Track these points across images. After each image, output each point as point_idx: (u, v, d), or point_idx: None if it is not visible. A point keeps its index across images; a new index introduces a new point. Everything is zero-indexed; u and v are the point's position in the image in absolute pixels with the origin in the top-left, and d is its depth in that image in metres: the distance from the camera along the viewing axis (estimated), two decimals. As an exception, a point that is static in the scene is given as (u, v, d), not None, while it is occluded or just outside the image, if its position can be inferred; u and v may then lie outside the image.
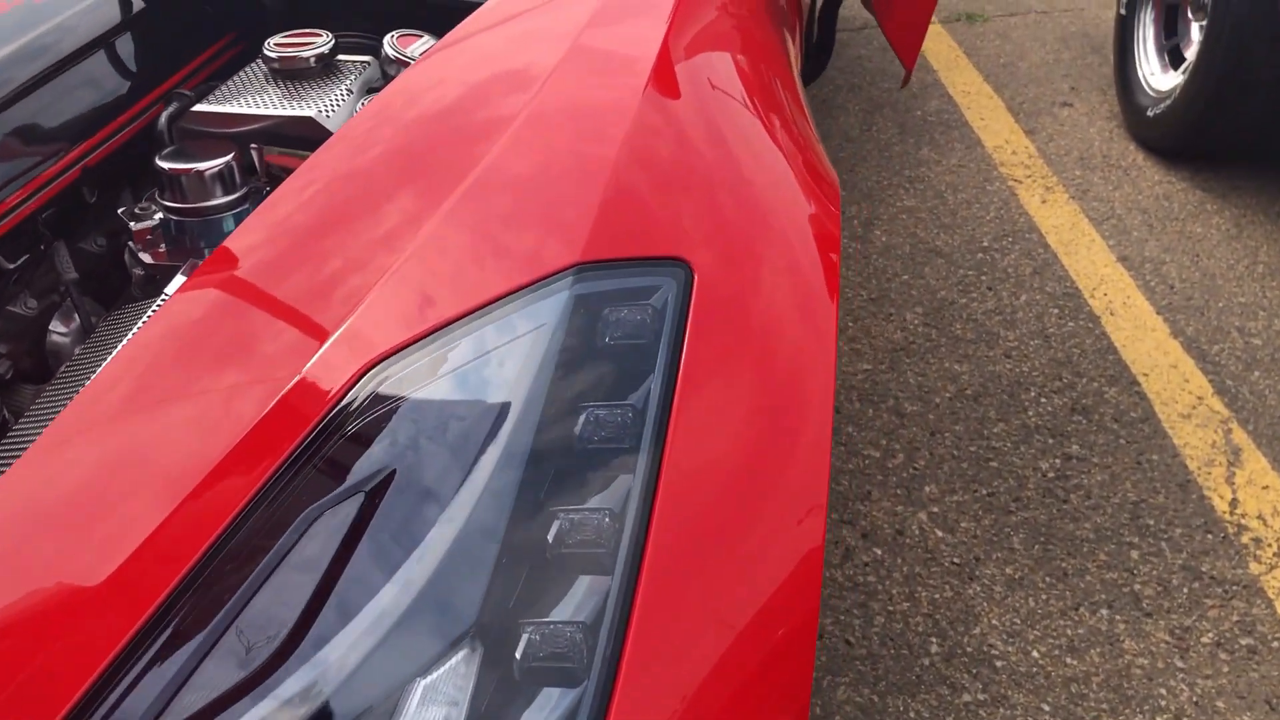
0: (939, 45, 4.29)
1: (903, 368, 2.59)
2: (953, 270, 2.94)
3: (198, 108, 1.41)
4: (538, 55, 1.21)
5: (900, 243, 3.07)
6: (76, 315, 1.36)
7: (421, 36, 1.50)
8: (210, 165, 1.34)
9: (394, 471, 0.74)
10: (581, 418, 0.79)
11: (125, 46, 1.54)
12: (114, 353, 1.10)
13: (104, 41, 1.50)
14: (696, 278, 0.89)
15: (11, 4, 1.48)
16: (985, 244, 3.04)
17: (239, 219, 1.36)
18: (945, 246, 3.04)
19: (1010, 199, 3.24)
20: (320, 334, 0.83)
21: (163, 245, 1.35)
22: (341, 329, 0.82)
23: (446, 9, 1.55)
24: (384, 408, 0.77)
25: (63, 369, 1.24)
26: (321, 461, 0.75)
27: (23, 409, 1.37)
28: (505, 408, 0.78)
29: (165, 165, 1.32)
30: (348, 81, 1.47)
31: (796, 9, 2.09)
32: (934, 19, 4.56)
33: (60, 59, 1.42)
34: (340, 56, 1.53)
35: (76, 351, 1.29)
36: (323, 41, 1.49)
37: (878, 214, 3.21)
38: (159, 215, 1.34)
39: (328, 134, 1.38)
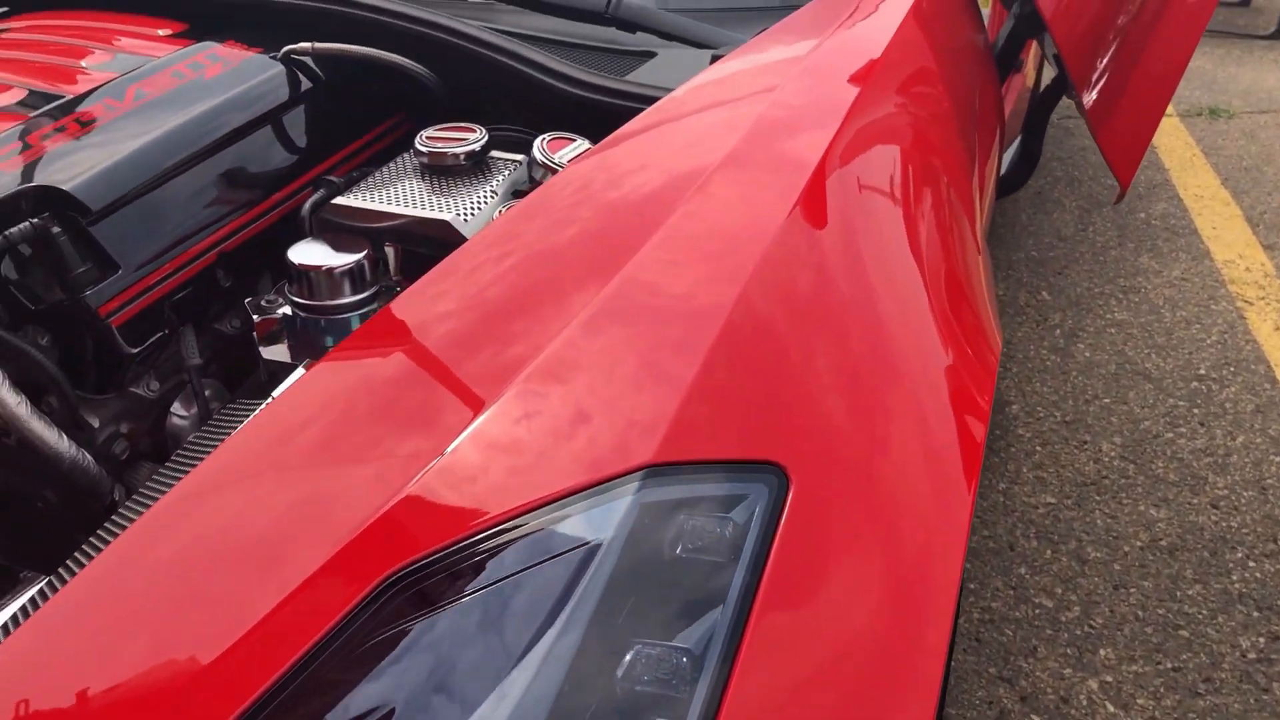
0: (1174, 141, 3.97)
1: (1091, 506, 2.34)
2: (1161, 398, 2.66)
3: (338, 200, 1.38)
4: (688, 165, 1.14)
5: (1105, 360, 2.81)
6: (197, 401, 1.34)
7: (573, 141, 1.43)
8: (340, 263, 1.30)
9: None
10: (629, 656, 0.68)
11: (289, 125, 1.54)
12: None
13: (267, 120, 1.50)
14: (792, 488, 0.76)
15: (187, 78, 1.50)
16: (1202, 371, 2.75)
17: (365, 319, 1.31)
18: (1156, 370, 2.76)
19: (1237, 322, 2.93)
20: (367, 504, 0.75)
21: (285, 340, 1.31)
22: (377, 514, 0.74)
23: (611, 112, 1.47)
24: (393, 629, 0.68)
25: (177, 452, 1.22)
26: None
27: (135, 484, 1.36)
28: (537, 635, 0.68)
29: (295, 259, 1.29)
30: (495, 182, 1.42)
31: (995, 111, 1.92)
32: (1171, 111, 4.23)
33: (218, 138, 1.42)
34: (493, 153, 1.48)
35: (191, 437, 1.26)
36: (474, 138, 1.44)
37: (1083, 325, 2.96)
38: (284, 309, 1.31)
39: (461, 239, 1.32)
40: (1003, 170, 2.32)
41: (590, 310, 0.91)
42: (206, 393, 1.39)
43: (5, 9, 1.77)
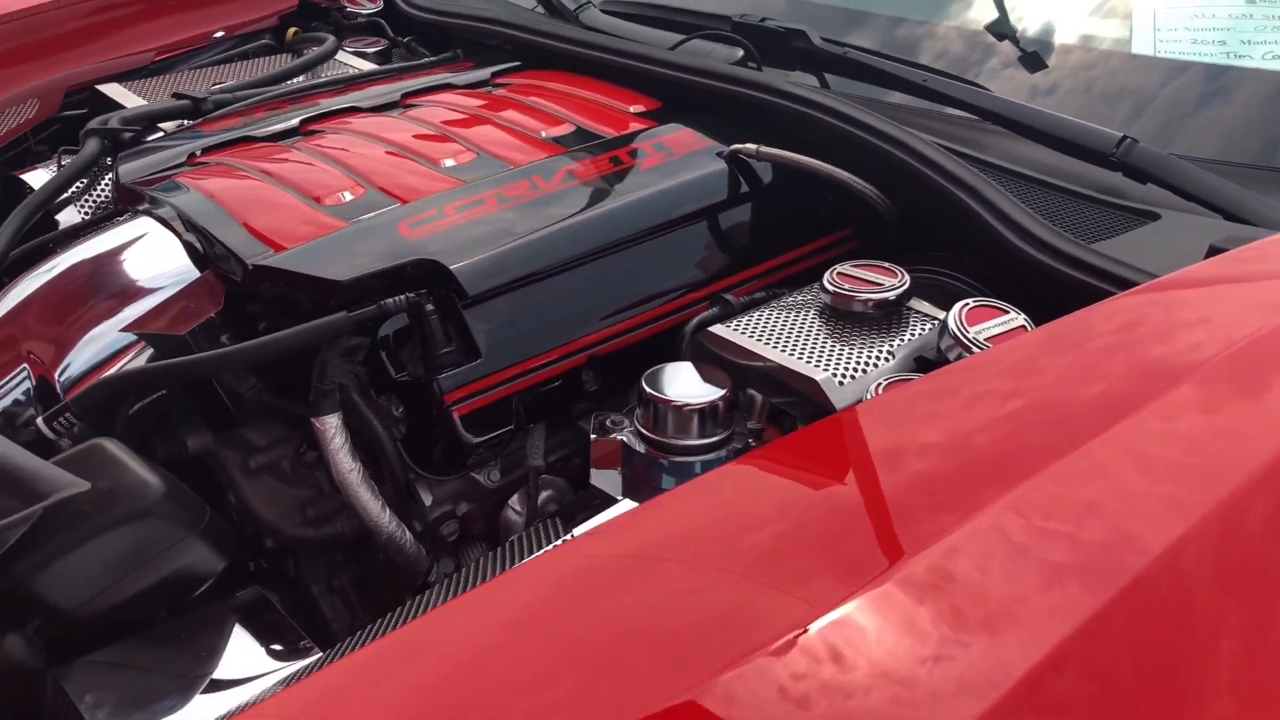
0: None
1: None
2: None
3: (715, 329, 1.24)
4: (1150, 365, 0.97)
5: None
6: (528, 504, 1.28)
7: (1004, 314, 1.17)
8: (693, 399, 1.16)
9: None
10: None
11: (712, 230, 1.43)
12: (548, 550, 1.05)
13: (689, 221, 1.40)
14: None
15: (622, 165, 1.44)
16: None
17: (708, 468, 1.16)
18: None
19: None
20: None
21: (620, 469, 1.20)
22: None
23: (1070, 287, 1.20)
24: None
25: (506, 543, 1.16)
26: None
27: (462, 564, 1.33)
28: None
29: (646, 384, 1.17)
30: (898, 341, 1.20)
31: None
32: None
33: (627, 235, 1.35)
34: (913, 303, 1.26)
35: (521, 534, 1.20)
36: (891, 285, 1.23)
37: None
38: (624, 435, 1.19)
39: (826, 406, 1.12)
40: None
41: (992, 514, 0.80)
42: (548, 493, 1.33)
43: (518, 64, 1.84)
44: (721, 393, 1.17)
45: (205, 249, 1.32)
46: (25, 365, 1.23)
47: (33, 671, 1.08)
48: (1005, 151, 1.45)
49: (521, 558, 1.12)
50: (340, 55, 2.10)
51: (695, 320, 1.31)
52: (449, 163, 1.45)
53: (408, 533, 1.26)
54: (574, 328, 1.30)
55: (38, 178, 1.69)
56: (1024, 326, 1.15)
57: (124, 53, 2.13)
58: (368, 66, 2.05)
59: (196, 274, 1.32)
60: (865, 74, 1.65)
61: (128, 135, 1.67)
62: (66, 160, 1.67)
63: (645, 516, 0.95)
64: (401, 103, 1.69)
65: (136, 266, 1.32)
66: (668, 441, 1.17)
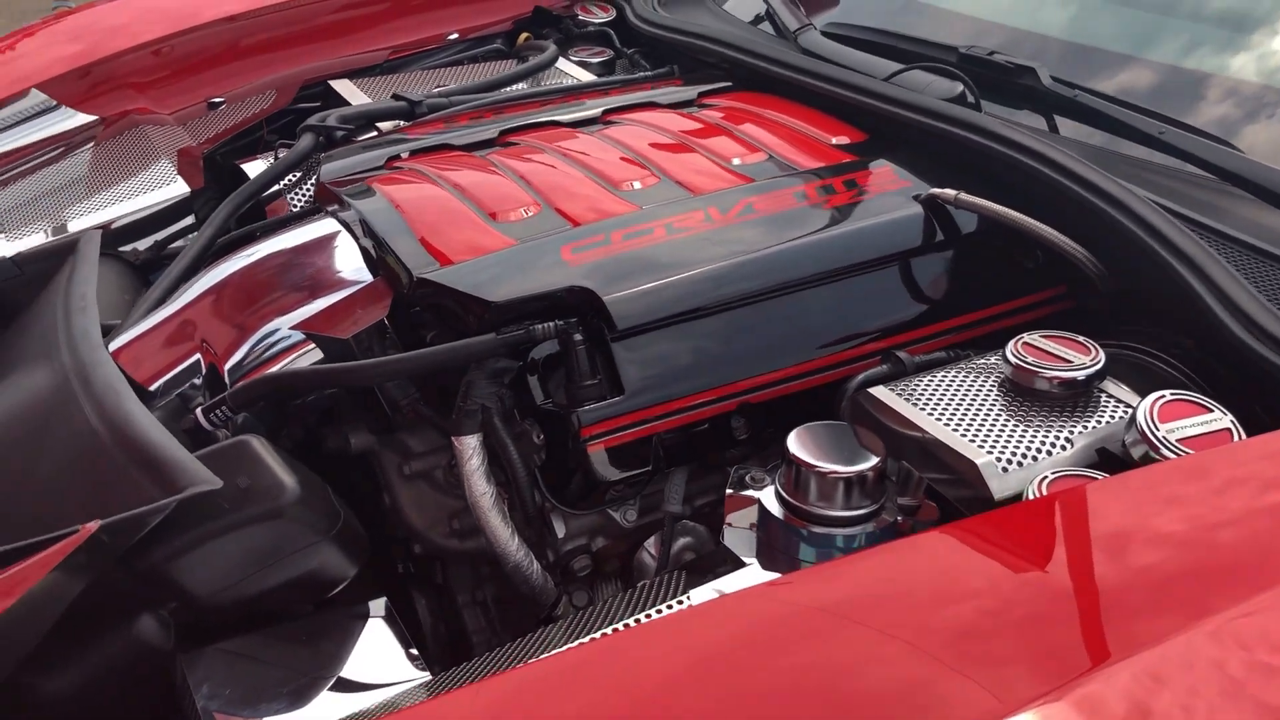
0: None
1: None
2: None
3: (878, 390, 1.14)
4: None
5: None
6: (661, 550, 1.23)
7: (1207, 411, 1.02)
8: (839, 466, 1.07)
9: None
10: None
11: (894, 278, 1.33)
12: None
13: (869, 268, 1.31)
14: None
15: (807, 202, 1.36)
16: None
17: (850, 545, 1.08)
18: None
19: None
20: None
21: (755, 529, 1.13)
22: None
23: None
24: None
25: (638, 586, 1.12)
26: None
27: (594, 600, 1.29)
28: None
29: (792, 445, 1.09)
30: (1081, 426, 1.07)
31: None
32: None
33: (796, 278, 1.27)
34: (1107, 383, 1.12)
35: (654, 578, 1.16)
36: (1081, 363, 1.10)
37: None
38: (764, 494, 1.12)
39: (985, 498, 1.01)
40: None
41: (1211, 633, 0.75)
42: (686, 540, 1.27)
43: (728, 84, 1.79)
44: (872, 462, 1.08)
45: (379, 255, 1.33)
46: (198, 354, 1.28)
47: (161, 653, 1.11)
48: (1250, 223, 1.27)
49: (647, 606, 1.08)
50: (562, 64, 2.11)
51: (860, 377, 1.21)
52: (635, 185, 1.42)
53: (535, 563, 1.24)
54: (727, 371, 1.23)
55: (255, 168, 1.77)
56: (1229, 430, 1.00)
57: (363, 49, 2.21)
58: (586, 77, 2.05)
59: (370, 279, 1.33)
60: (1096, 120, 1.49)
61: (340, 133, 1.72)
62: (283, 153, 1.74)
63: (846, 571, 0.94)
64: (602, 119, 1.67)
65: (315, 266, 1.35)
66: (808, 509, 1.08)
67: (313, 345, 1.29)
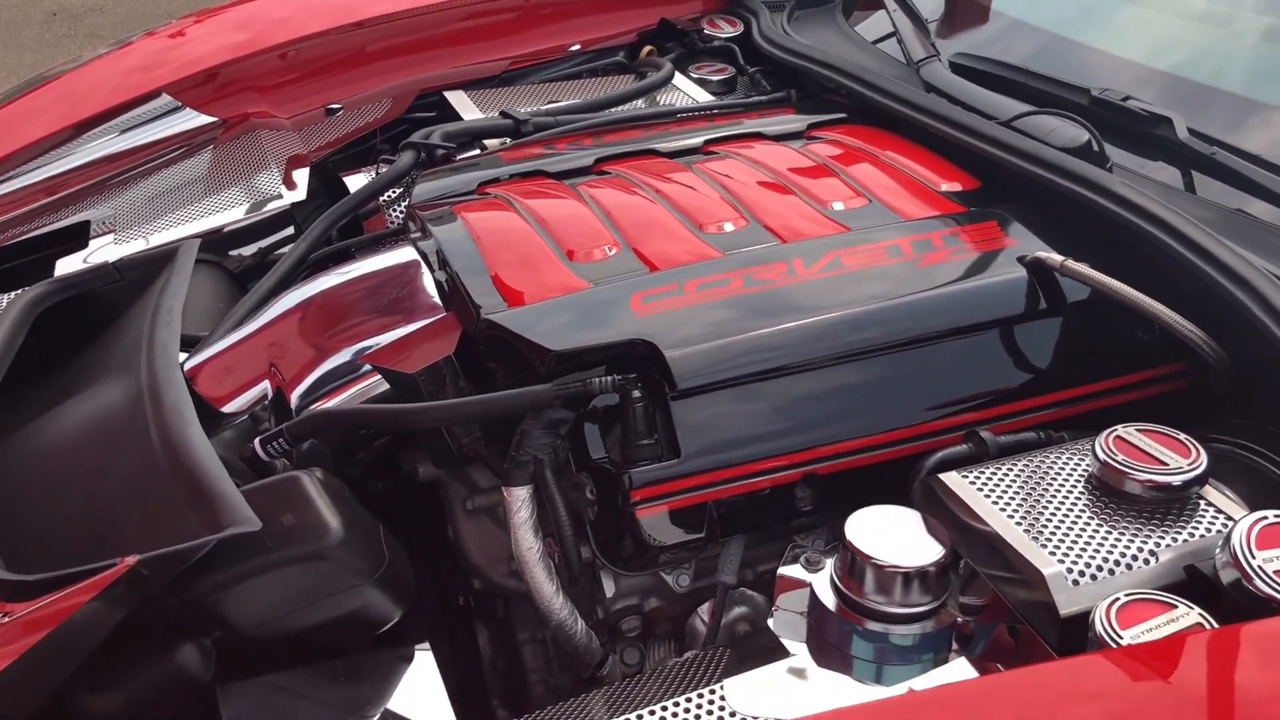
0: None
1: None
2: None
3: (948, 476, 1.06)
4: None
5: None
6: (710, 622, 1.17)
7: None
8: (899, 558, 1.00)
9: None
10: None
11: (988, 347, 1.24)
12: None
13: (961, 334, 1.22)
14: None
15: (902, 258, 1.28)
16: None
17: (906, 640, 1.00)
18: None
19: None
20: None
21: (803, 616, 1.06)
22: None
23: None
24: None
25: (682, 660, 1.09)
26: None
27: (645, 661, 1.26)
28: None
29: (850, 530, 1.02)
30: (1171, 538, 0.97)
31: None
32: None
33: (877, 342, 1.19)
34: (1209, 489, 1.02)
35: (700, 652, 1.11)
36: (1178, 466, 0.99)
37: None
38: (817, 579, 1.05)
39: (1048, 608, 0.92)
40: None
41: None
42: (741, 610, 1.21)
43: (842, 115, 1.71)
44: (935, 557, 1.00)
45: (451, 289, 1.31)
46: (266, 380, 1.29)
47: (200, 682, 1.12)
48: None
49: (687, 685, 1.03)
50: (681, 80, 2.05)
51: (936, 457, 1.14)
52: (723, 228, 1.36)
53: (580, 621, 1.20)
54: (794, 439, 1.16)
55: (356, 182, 1.77)
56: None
57: (483, 59, 2.20)
58: (703, 96, 2.00)
59: (442, 313, 1.31)
60: (1235, 180, 1.36)
61: (441, 151, 1.71)
62: (384, 169, 1.74)
63: None
64: (703, 149, 1.61)
65: (389, 296, 1.34)
66: (862, 602, 1.01)
67: (378, 377, 1.28)
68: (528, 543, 1.17)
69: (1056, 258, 1.23)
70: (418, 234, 1.45)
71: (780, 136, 1.64)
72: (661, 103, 1.96)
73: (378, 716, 1.13)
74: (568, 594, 1.19)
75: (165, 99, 1.99)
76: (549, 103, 1.98)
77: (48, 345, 1.49)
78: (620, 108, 1.90)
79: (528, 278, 1.27)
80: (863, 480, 1.18)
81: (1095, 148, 1.42)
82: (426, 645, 1.19)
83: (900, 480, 1.15)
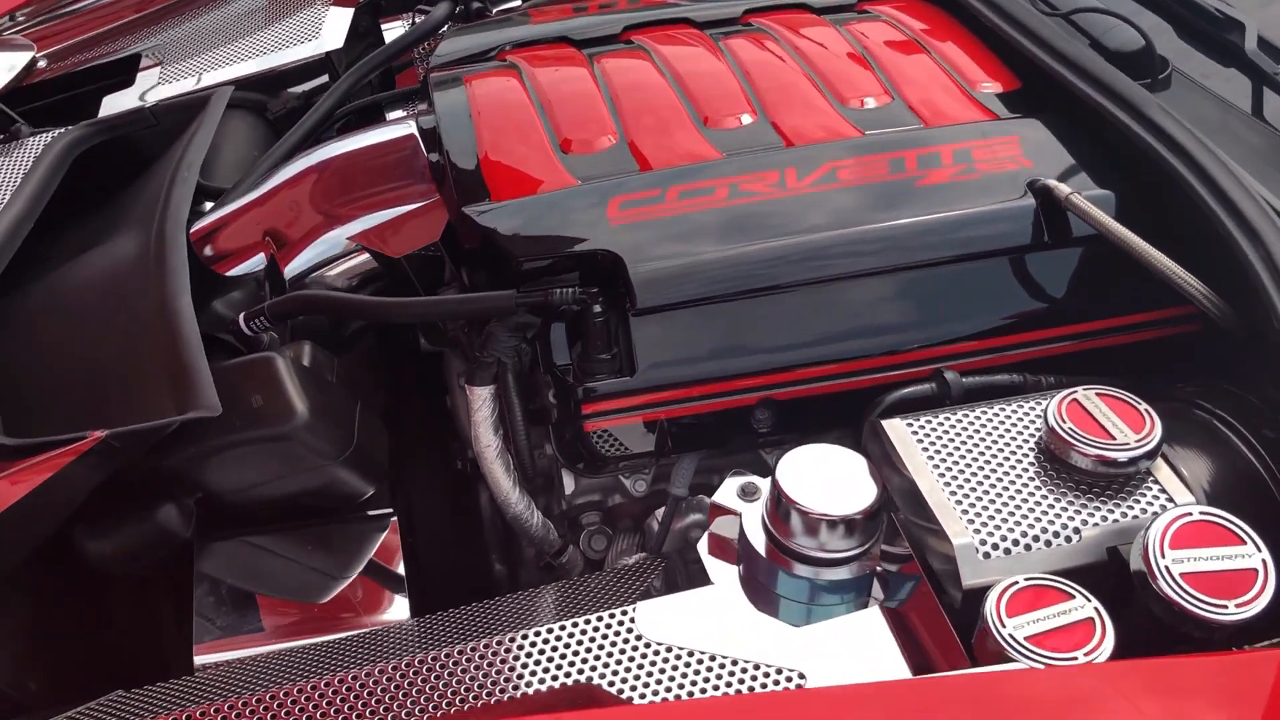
0: None
1: None
2: None
3: (891, 424, 1.03)
4: None
5: None
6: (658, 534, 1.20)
7: (1239, 543, 0.86)
8: (826, 511, 0.98)
9: None
10: None
11: (979, 277, 1.18)
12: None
13: (947, 263, 1.17)
14: None
15: (905, 175, 1.21)
16: None
17: (828, 584, 1.01)
18: None
19: None
20: None
21: (735, 550, 1.07)
22: None
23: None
24: None
25: (617, 570, 1.13)
26: None
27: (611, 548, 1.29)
28: None
29: (779, 475, 1.00)
30: (1101, 516, 0.93)
31: None
32: None
33: (856, 268, 1.15)
34: (1159, 463, 0.97)
35: (643, 559, 1.15)
36: (1125, 441, 0.94)
37: None
38: (746, 514, 1.05)
39: (953, 578, 0.91)
40: None
41: None
42: (696, 516, 1.23)
43: None
44: (863, 506, 0.99)
45: (442, 173, 1.30)
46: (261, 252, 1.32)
47: (179, 537, 1.20)
48: None
49: (618, 594, 1.07)
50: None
51: (896, 395, 1.11)
52: (733, 122, 1.30)
53: (537, 514, 1.23)
54: (751, 360, 1.15)
55: (394, 32, 1.74)
56: (1256, 571, 0.85)
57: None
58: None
59: (434, 195, 1.31)
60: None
61: (477, 5, 1.66)
62: (420, 20, 1.71)
63: None
64: (741, 20, 1.53)
65: (386, 175, 1.34)
66: (788, 544, 1.01)
67: (366, 256, 1.30)
68: (487, 440, 1.20)
69: (1064, 189, 1.15)
70: (423, 108, 1.43)
71: (826, 7, 1.54)
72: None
73: (341, 577, 1.21)
74: (524, 489, 1.23)
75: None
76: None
77: (87, 186, 1.55)
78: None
79: (515, 168, 1.25)
80: (825, 408, 1.16)
81: (1147, 59, 1.30)
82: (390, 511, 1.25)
83: (859, 411, 1.13)
